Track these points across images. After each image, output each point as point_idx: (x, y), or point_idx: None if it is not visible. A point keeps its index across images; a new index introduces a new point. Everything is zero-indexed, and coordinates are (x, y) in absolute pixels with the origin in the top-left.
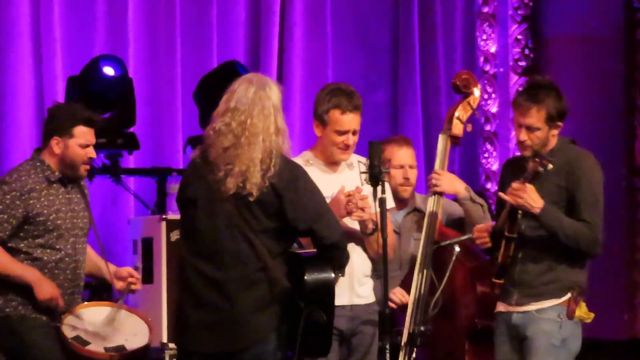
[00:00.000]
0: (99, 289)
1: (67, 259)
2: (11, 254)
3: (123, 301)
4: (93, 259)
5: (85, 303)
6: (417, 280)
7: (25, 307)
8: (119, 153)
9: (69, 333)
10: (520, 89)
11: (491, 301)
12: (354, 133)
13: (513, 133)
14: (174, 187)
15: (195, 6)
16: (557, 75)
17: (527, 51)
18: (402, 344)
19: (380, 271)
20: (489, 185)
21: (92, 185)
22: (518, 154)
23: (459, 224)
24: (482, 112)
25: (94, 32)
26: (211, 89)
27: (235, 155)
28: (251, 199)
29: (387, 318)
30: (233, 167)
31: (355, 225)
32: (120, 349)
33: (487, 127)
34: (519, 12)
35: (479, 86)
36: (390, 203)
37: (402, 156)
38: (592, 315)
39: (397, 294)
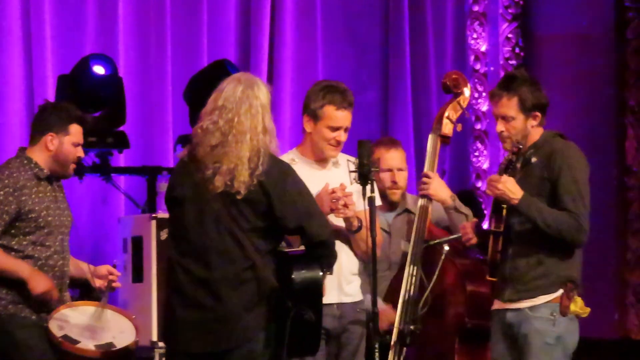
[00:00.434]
0: (89, 288)
1: (55, 256)
2: None
3: (106, 300)
4: (73, 260)
5: (69, 302)
6: (407, 279)
7: (15, 305)
8: (109, 152)
9: (57, 332)
10: None
11: (481, 300)
12: (345, 130)
13: None
14: (164, 185)
15: (185, 5)
16: (547, 74)
17: (517, 50)
18: (392, 343)
19: (369, 270)
20: (479, 184)
21: (82, 184)
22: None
23: (448, 229)
24: (473, 111)
25: (84, 31)
26: (201, 88)
27: (223, 154)
28: (239, 197)
29: (376, 317)
30: (221, 165)
31: (341, 223)
32: (110, 346)
33: (478, 126)
34: (510, 10)
35: (469, 86)
36: (377, 201)
37: (390, 159)
38: (587, 310)
39: (383, 320)
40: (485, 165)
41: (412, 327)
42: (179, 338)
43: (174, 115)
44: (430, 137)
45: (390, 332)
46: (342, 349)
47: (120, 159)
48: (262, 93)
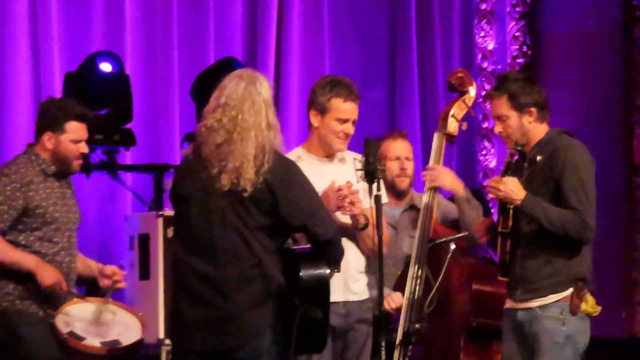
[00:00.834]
0: (96, 286)
1: (63, 252)
2: None
3: (109, 298)
4: (81, 258)
5: (74, 300)
6: (412, 277)
7: (22, 301)
8: (115, 149)
9: (63, 328)
10: None
11: (486, 299)
12: (353, 123)
13: None
14: (170, 183)
15: (192, 3)
16: (555, 73)
17: (525, 48)
18: (398, 342)
19: (375, 267)
20: (486, 183)
21: (89, 181)
22: None
23: (455, 225)
24: (480, 110)
25: (91, 29)
26: (208, 86)
27: (229, 152)
28: (245, 195)
29: (383, 316)
30: (227, 163)
31: (348, 221)
32: (116, 343)
33: (485, 125)
34: (517, 9)
35: (475, 84)
36: (384, 199)
37: (398, 148)
38: (599, 308)
39: (394, 300)
40: (493, 164)
41: (417, 325)
42: (185, 336)
43: (181, 112)
44: (436, 136)
45: (397, 320)
46: (348, 347)
47: (127, 157)
48: (264, 89)
